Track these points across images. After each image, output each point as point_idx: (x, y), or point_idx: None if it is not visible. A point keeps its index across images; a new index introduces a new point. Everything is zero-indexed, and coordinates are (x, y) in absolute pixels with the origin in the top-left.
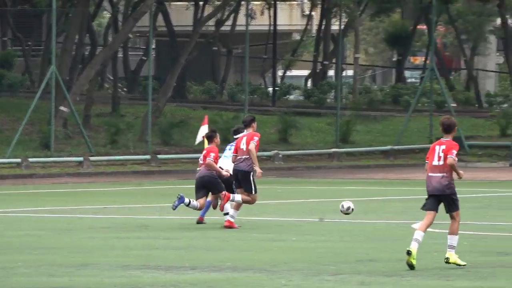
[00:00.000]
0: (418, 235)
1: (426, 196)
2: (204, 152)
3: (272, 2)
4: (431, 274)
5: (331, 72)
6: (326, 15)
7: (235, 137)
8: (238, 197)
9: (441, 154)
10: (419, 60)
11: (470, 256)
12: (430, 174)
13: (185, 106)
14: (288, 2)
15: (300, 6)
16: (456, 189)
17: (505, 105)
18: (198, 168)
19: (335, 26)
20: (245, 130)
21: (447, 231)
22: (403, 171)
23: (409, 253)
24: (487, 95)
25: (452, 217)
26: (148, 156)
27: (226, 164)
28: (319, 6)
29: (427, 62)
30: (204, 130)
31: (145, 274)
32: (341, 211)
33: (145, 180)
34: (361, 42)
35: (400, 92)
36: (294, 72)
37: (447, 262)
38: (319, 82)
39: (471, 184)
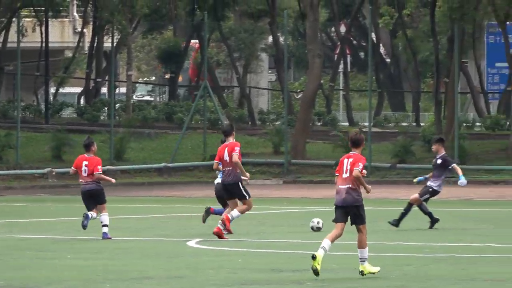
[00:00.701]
0: (326, 243)
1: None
2: (86, 163)
3: (44, 19)
4: None
5: (104, 89)
6: (98, 32)
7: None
8: (235, 212)
9: (349, 167)
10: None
11: (245, 272)
12: (339, 186)
13: None
14: (59, 19)
15: (72, 23)
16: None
17: (278, 123)
18: (81, 181)
19: (107, 43)
20: (226, 139)
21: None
22: (177, 189)
23: (313, 257)
24: (260, 112)
25: (358, 230)
26: None
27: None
28: (91, 23)
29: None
30: None
31: None
32: (316, 227)
33: None
34: (134, 59)
35: (173, 110)
36: (67, 89)
37: (362, 274)
38: (92, 99)
39: None
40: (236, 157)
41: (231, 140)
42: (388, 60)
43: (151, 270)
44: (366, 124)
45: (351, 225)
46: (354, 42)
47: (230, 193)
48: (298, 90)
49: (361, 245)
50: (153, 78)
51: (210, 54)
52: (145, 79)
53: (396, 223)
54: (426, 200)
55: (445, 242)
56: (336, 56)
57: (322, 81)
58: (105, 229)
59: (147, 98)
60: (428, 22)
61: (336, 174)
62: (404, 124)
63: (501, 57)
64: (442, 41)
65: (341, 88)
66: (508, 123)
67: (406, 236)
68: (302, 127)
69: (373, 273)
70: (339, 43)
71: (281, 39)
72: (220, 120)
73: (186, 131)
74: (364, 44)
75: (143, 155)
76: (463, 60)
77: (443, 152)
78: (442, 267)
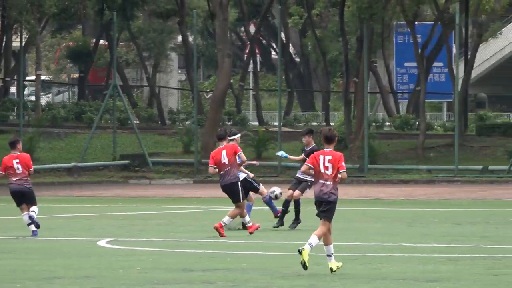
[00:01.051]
0: (313, 239)
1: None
2: (18, 160)
3: None
4: None
5: (13, 89)
6: (6, 31)
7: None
8: (226, 219)
9: (328, 164)
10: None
11: (156, 273)
12: (319, 181)
13: None
14: None
15: None
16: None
17: (188, 122)
18: (14, 179)
19: (16, 43)
20: (220, 143)
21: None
22: (87, 188)
23: (299, 251)
24: (170, 112)
25: (322, 224)
26: None
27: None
28: None
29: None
30: None
31: None
32: (275, 195)
33: None
34: (43, 58)
35: (83, 109)
36: None
37: (332, 271)
38: (1, 99)
39: (155, 201)
40: (244, 156)
41: (225, 143)
42: (297, 59)
43: (62, 270)
44: (276, 123)
45: (316, 216)
46: (264, 41)
47: (230, 193)
48: (208, 90)
49: (327, 242)
50: (63, 77)
51: (120, 54)
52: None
53: (295, 224)
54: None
55: (356, 241)
56: (245, 55)
57: (232, 81)
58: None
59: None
60: (337, 22)
61: (311, 166)
62: (314, 123)
63: (410, 57)
64: (351, 41)
65: (251, 87)
66: (417, 123)
67: None
68: (212, 127)
69: (339, 267)
70: (248, 42)
71: (191, 38)
72: (129, 119)
73: (96, 131)
74: (273, 43)
75: (53, 154)
76: (372, 60)
77: (313, 144)
78: (354, 266)
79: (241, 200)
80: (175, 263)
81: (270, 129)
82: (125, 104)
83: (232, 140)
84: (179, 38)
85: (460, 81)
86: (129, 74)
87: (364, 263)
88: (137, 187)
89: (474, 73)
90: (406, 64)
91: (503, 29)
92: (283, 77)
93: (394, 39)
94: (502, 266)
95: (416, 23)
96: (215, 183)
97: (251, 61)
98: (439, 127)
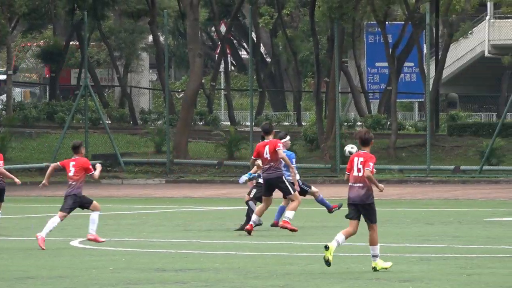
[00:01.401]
0: (339, 237)
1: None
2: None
3: None
4: None
5: None
6: None
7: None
8: (290, 213)
9: (360, 166)
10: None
11: (128, 273)
12: (350, 184)
13: None
14: None
15: None
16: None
17: (160, 122)
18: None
19: None
20: (266, 137)
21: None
22: (59, 188)
23: (326, 247)
24: (142, 112)
25: (369, 228)
26: None
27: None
28: None
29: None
30: None
31: None
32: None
33: None
34: (14, 58)
35: (55, 109)
36: None
37: (375, 270)
38: None
39: (127, 201)
40: (282, 153)
41: (270, 138)
42: (268, 59)
43: (34, 270)
44: (248, 123)
45: (345, 217)
46: (235, 41)
47: (273, 188)
48: (179, 90)
49: (372, 243)
50: (34, 77)
51: (91, 54)
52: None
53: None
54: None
55: (329, 241)
56: (217, 55)
57: (203, 81)
58: None
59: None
60: (307, 22)
61: (347, 173)
62: (286, 123)
63: (381, 56)
64: (322, 40)
65: (222, 87)
66: (388, 123)
67: (290, 236)
68: (184, 127)
69: (386, 268)
70: (219, 42)
71: (162, 38)
72: (101, 119)
73: (68, 131)
74: (244, 43)
75: (25, 154)
76: (343, 59)
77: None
78: (326, 266)
79: (292, 192)
80: (148, 263)
81: (242, 129)
82: (96, 104)
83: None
84: (150, 38)
85: (431, 81)
86: (101, 74)
87: (337, 263)
88: (109, 187)
89: (445, 73)
90: (377, 64)
91: (473, 29)
92: (254, 77)
93: (365, 39)
94: (474, 266)
95: (386, 23)
96: (187, 183)
97: (222, 61)
98: (410, 127)
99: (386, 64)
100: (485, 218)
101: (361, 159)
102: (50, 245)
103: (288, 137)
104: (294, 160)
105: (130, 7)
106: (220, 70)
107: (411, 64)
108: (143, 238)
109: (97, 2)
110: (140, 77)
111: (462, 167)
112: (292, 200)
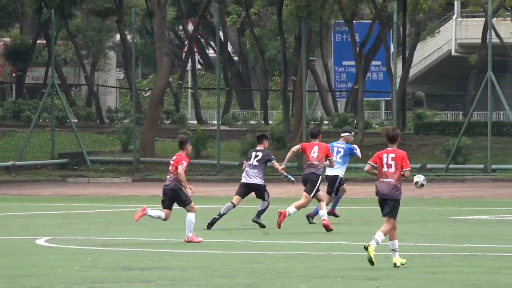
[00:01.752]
0: (379, 236)
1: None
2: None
3: None
4: None
5: None
6: None
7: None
8: (322, 212)
9: (391, 162)
10: None
11: (94, 271)
12: (381, 179)
13: None
14: None
15: None
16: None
17: (126, 121)
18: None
19: None
20: (313, 140)
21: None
22: (26, 187)
23: (365, 247)
24: (108, 110)
25: (387, 221)
26: None
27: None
28: None
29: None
30: None
31: None
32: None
33: None
34: None
35: (21, 108)
36: None
37: (395, 266)
38: None
39: (94, 200)
40: (333, 162)
41: (317, 141)
42: (236, 58)
43: (0, 269)
44: (215, 122)
45: (383, 216)
46: (202, 40)
47: (305, 183)
48: (147, 88)
49: (392, 237)
50: None
51: (58, 52)
52: None
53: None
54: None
55: (295, 240)
56: (184, 54)
57: (170, 79)
58: None
59: None
60: (275, 21)
61: (372, 163)
62: (253, 122)
63: (348, 55)
64: (290, 39)
65: (189, 86)
66: (355, 121)
67: (255, 235)
68: (151, 125)
69: (403, 264)
70: (187, 41)
71: (129, 37)
72: (68, 118)
73: (34, 129)
74: (212, 42)
75: None
76: (310, 58)
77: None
78: (292, 264)
79: (311, 194)
80: (113, 261)
81: (209, 128)
82: (63, 103)
83: (342, 137)
84: (118, 36)
85: (398, 80)
86: (67, 72)
87: (303, 262)
88: (75, 185)
89: (412, 72)
90: (344, 63)
91: (440, 28)
92: (222, 75)
93: (332, 38)
94: (440, 265)
95: (354, 21)
96: (154, 182)
97: (190, 60)
98: (377, 126)
99: (353, 63)
100: (451, 216)
101: (392, 155)
102: (16, 244)
103: (352, 132)
104: (357, 151)
105: (97, 6)
106: (187, 68)
107: (378, 63)
108: (109, 237)
109: (64, 1)
110: (107, 76)
111: (428, 166)
112: (304, 198)
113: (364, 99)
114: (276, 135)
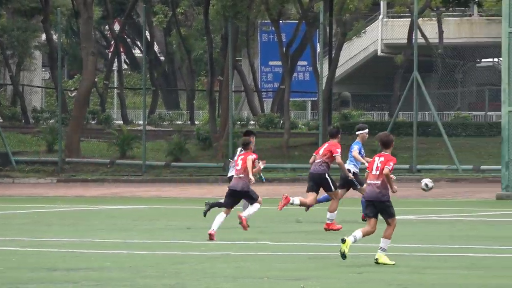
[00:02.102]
0: (357, 234)
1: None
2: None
3: None
4: None
5: None
6: None
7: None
8: (329, 215)
9: (379, 165)
10: None
11: (19, 272)
12: (368, 181)
13: None
14: None
15: None
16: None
17: (52, 121)
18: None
19: None
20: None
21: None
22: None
23: (343, 240)
24: (34, 110)
25: (388, 223)
26: None
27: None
28: None
29: None
30: None
31: None
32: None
33: None
34: None
35: None
36: None
37: (377, 262)
38: None
39: (19, 200)
40: (339, 158)
41: (335, 141)
42: (162, 58)
43: None
44: (141, 122)
45: (365, 214)
46: (128, 40)
47: (316, 182)
48: (72, 88)
49: (386, 236)
50: None
51: None
52: None
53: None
54: None
55: (220, 240)
56: (110, 54)
57: (96, 79)
58: None
59: None
60: (202, 20)
61: (367, 171)
62: (179, 122)
63: (274, 55)
64: (216, 39)
65: (115, 86)
66: (281, 122)
67: (180, 235)
68: (76, 125)
69: (385, 264)
70: (113, 41)
71: (55, 37)
72: None
73: None
74: (138, 42)
75: None
76: (237, 58)
77: None
78: (218, 265)
79: (333, 190)
80: (38, 262)
81: (135, 128)
82: None
83: (357, 135)
84: (43, 36)
85: (325, 80)
86: None
87: (228, 262)
88: (0, 186)
89: (338, 72)
90: (270, 63)
91: (366, 28)
92: (148, 75)
93: (258, 38)
94: (365, 264)
95: (280, 21)
96: (79, 182)
97: (116, 60)
98: (303, 126)
99: (279, 63)
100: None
101: (382, 159)
102: None
103: (366, 130)
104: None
105: (23, 5)
106: (113, 68)
107: (305, 63)
108: (34, 237)
109: None
110: (33, 76)
111: None
112: (332, 197)
113: (291, 99)
114: (202, 135)
